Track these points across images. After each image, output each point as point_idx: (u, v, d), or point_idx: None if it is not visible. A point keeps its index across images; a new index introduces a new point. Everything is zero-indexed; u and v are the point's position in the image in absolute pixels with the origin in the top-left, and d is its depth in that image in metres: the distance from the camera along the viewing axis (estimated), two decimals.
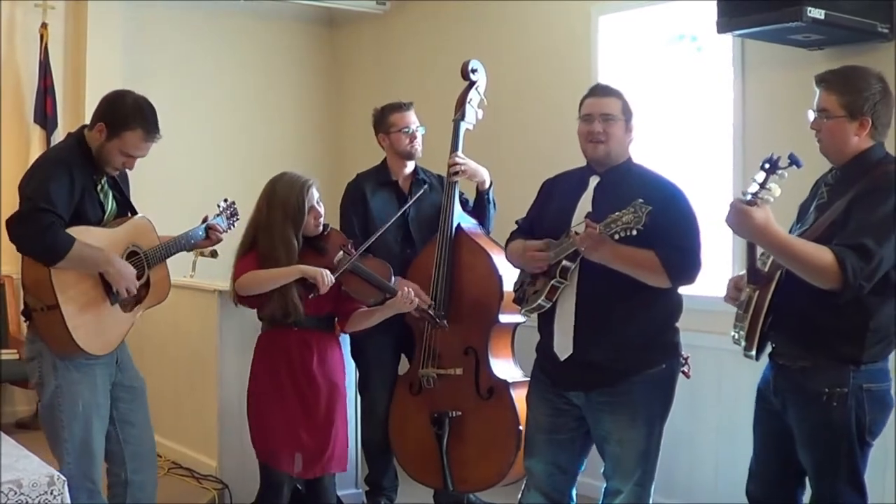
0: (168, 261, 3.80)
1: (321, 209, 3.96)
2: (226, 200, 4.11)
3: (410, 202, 4.55)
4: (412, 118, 4.65)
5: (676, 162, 4.85)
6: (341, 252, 3.96)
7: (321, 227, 3.96)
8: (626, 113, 3.52)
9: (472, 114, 4.68)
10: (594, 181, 3.54)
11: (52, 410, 3.49)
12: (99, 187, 3.54)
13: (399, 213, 4.44)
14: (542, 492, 3.60)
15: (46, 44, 6.15)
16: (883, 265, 2.85)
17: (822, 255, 2.81)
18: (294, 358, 3.93)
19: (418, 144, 4.65)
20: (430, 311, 4.24)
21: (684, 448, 4.68)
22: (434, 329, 4.40)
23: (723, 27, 3.97)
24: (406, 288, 4.05)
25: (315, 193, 3.94)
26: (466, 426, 4.38)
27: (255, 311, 4.01)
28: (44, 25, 6.15)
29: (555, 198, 3.67)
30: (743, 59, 4.54)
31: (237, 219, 4.09)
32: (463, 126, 4.66)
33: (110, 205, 3.59)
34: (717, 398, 4.58)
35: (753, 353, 3.05)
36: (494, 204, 4.70)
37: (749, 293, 3.02)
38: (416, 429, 4.51)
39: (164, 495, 4.68)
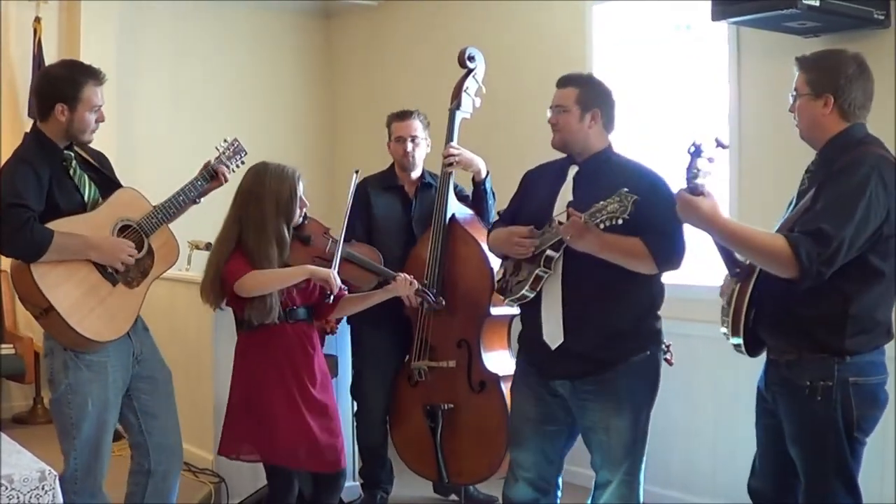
0: None
1: (306, 200, 3.83)
2: (226, 140, 3.94)
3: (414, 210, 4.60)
4: (410, 127, 4.60)
5: (672, 151, 4.83)
6: (330, 240, 3.88)
7: (303, 217, 3.83)
8: (584, 102, 3.51)
9: (469, 103, 4.65)
10: (573, 171, 3.56)
11: (61, 408, 3.48)
12: (71, 171, 3.51)
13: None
14: (530, 482, 3.60)
15: (40, 38, 6.12)
16: (844, 249, 2.75)
17: (775, 241, 2.78)
18: (296, 353, 3.76)
19: (413, 157, 4.61)
20: (425, 291, 4.14)
21: (682, 440, 4.67)
22: (430, 317, 4.38)
23: (717, 15, 3.96)
24: (404, 273, 3.97)
25: (301, 186, 3.79)
26: (459, 419, 4.39)
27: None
28: (37, 20, 6.12)
29: (536, 189, 3.69)
30: (738, 47, 4.52)
31: (244, 153, 3.94)
32: (459, 115, 4.62)
33: (88, 188, 3.54)
34: (714, 389, 4.57)
35: (743, 348, 3.04)
36: (493, 194, 4.67)
37: (732, 288, 3.01)
38: (412, 421, 4.52)
39: None
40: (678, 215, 2.92)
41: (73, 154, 3.54)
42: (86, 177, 3.55)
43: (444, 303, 4.28)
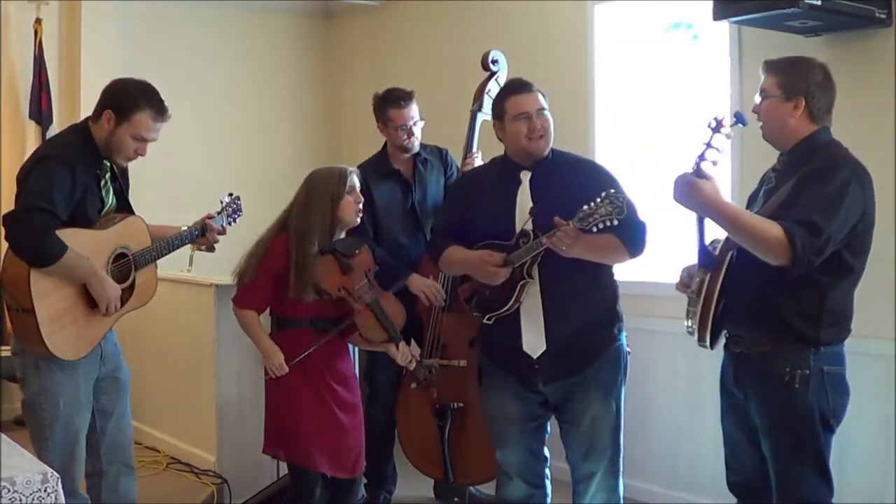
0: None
1: (362, 198, 3.89)
2: (230, 195, 3.97)
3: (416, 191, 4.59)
4: (410, 113, 4.58)
5: (673, 151, 4.83)
6: (366, 281, 3.83)
7: (358, 220, 3.88)
8: (548, 105, 3.55)
9: (490, 105, 4.65)
10: (526, 176, 3.53)
11: (33, 409, 3.46)
12: (102, 182, 3.49)
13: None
14: (523, 479, 3.63)
15: (41, 39, 6.10)
16: (831, 242, 2.86)
17: (772, 228, 2.84)
18: (325, 356, 3.85)
19: (416, 140, 4.60)
20: (419, 369, 4.12)
21: (685, 440, 4.67)
22: (443, 316, 4.41)
23: (719, 14, 3.94)
24: (407, 349, 3.97)
25: (356, 180, 3.87)
26: (468, 418, 4.38)
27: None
28: (38, 21, 6.11)
29: (482, 196, 3.64)
30: (740, 46, 4.51)
31: (239, 215, 3.97)
32: (480, 117, 4.66)
33: (110, 200, 3.54)
34: (716, 389, 4.56)
35: (707, 342, 3.05)
36: None
37: (700, 278, 3.02)
38: (420, 419, 4.52)
39: (163, 491, 4.69)
40: (677, 199, 2.93)
41: (108, 165, 3.51)
42: (112, 191, 3.54)
43: (430, 385, 4.35)
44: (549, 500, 3.72)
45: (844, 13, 3.76)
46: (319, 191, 3.81)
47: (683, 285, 3.15)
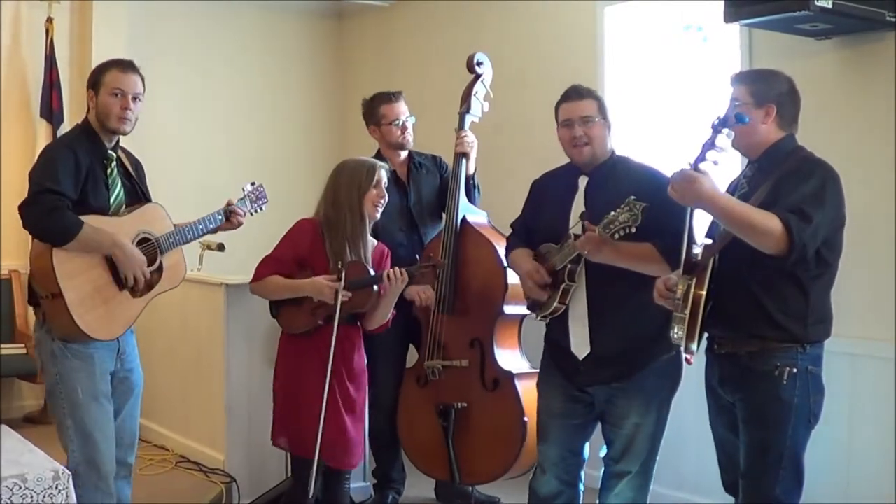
0: None
1: (386, 195, 3.92)
2: (252, 184, 4.03)
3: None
4: (402, 108, 4.65)
5: (683, 153, 4.82)
6: (341, 275, 3.79)
7: (378, 215, 3.91)
8: (603, 111, 3.61)
9: (478, 106, 4.70)
10: (583, 181, 3.61)
11: (53, 398, 3.52)
12: (109, 171, 3.56)
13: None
14: (556, 476, 3.68)
15: (52, 38, 6.13)
16: (820, 231, 2.95)
17: (770, 218, 2.90)
18: (338, 350, 3.83)
19: (409, 135, 4.66)
20: (414, 268, 3.94)
21: (692, 442, 4.66)
22: (442, 316, 4.42)
23: (730, 17, 3.94)
24: (392, 269, 3.84)
25: (384, 175, 3.91)
26: (472, 418, 4.39)
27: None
28: (49, 20, 6.13)
29: (546, 200, 3.75)
30: (750, 49, 4.51)
31: (265, 201, 4.03)
32: (468, 118, 4.68)
33: (117, 191, 3.58)
34: None
35: (695, 346, 3.04)
36: (479, 189, 4.75)
37: (685, 284, 3.02)
38: (423, 421, 4.52)
39: (172, 489, 4.70)
40: (675, 193, 2.96)
41: (115, 156, 3.60)
42: (119, 181, 3.61)
43: (443, 261, 4.30)
44: (580, 500, 3.75)
45: (855, 16, 3.76)
46: (347, 182, 3.88)
47: (663, 297, 3.15)
